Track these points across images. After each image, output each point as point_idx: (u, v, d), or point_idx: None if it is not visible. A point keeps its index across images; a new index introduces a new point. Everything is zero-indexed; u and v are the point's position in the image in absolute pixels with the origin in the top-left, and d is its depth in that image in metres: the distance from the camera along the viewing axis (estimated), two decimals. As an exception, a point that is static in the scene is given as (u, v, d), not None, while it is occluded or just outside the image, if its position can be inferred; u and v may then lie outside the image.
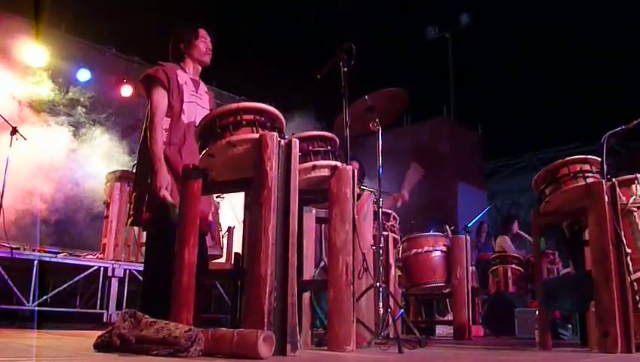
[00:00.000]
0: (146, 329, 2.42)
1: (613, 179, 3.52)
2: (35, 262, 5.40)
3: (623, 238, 3.36)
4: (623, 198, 3.52)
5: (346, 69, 3.68)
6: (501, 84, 14.85)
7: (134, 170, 6.53)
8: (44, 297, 5.55)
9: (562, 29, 13.81)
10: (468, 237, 6.26)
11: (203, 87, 3.86)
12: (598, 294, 3.34)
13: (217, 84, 10.51)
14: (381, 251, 3.89)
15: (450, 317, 6.41)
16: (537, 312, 3.84)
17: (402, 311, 4.29)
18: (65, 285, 5.72)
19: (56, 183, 7.18)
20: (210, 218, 3.97)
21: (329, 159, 3.31)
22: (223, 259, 6.66)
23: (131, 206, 3.67)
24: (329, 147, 3.36)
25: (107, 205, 6.71)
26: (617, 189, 3.48)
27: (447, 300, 6.39)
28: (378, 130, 4.03)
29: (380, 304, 3.63)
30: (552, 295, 3.76)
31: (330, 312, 3.07)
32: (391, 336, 3.46)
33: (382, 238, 4.00)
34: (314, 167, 3.24)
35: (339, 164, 3.31)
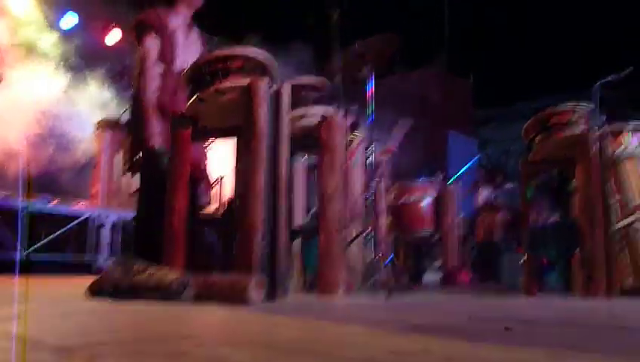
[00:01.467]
0: (138, 275, 2.45)
1: (604, 128, 3.53)
2: (26, 209, 5.40)
3: (611, 187, 3.40)
4: (612, 148, 3.54)
5: (336, 15, 3.62)
6: (494, 32, 14.68)
7: (124, 118, 6.49)
8: (36, 245, 5.58)
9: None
10: (457, 186, 6.30)
11: (195, 31, 3.80)
12: (584, 241, 3.40)
13: (207, 28, 10.31)
14: (371, 198, 3.91)
15: (438, 263, 6.51)
16: (524, 258, 3.91)
17: (392, 256, 4.35)
18: (57, 233, 5.74)
19: (43, 131, 7.11)
20: (203, 165, 3.96)
21: (320, 106, 3.29)
22: (213, 207, 6.68)
23: (126, 154, 3.67)
24: (320, 94, 3.34)
25: (97, 153, 6.67)
26: (607, 139, 3.49)
27: (436, 247, 6.48)
28: (369, 75, 3.99)
29: (370, 250, 3.67)
30: (538, 242, 3.82)
31: (321, 258, 3.11)
32: (380, 282, 3.52)
33: (372, 185, 4.02)
34: (305, 114, 3.22)
35: (329, 110, 3.29)
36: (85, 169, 7.20)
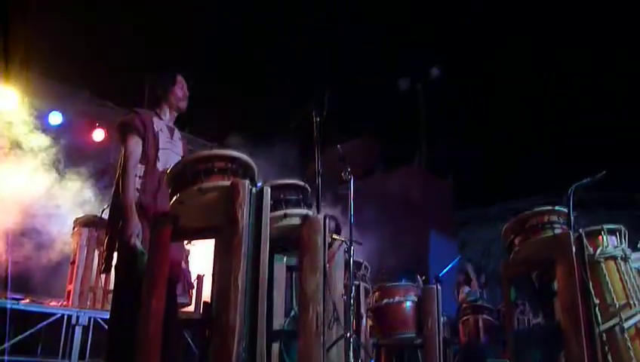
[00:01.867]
0: (109, 380, 2.34)
1: (580, 230, 3.58)
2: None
3: (592, 289, 3.40)
4: (590, 249, 3.57)
5: (318, 119, 3.72)
6: (472, 135, 15.13)
7: (104, 216, 6.45)
8: (4, 345, 5.36)
9: (531, 82, 14.21)
10: (439, 287, 6.25)
11: (177, 133, 3.87)
12: (568, 345, 3.35)
13: (190, 130, 10.51)
14: (352, 301, 3.86)
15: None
16: (508, 363, 3.83)
17: (372, 360, 4.24)
18: (27, 332, 5.54)
19: (21, 226, 7.03)
20: (183, 265, 3.93)
21: (300, 207, 3.31)
22: (191, 308, 6.54)
23: (104, 253, 3.64)
24: (301, 195, 3.37)
25: (74, 250, 6.56)
26: (584, 240, 3.53)
27: (419, 351, 6.33)
28: (350, 179, 4.05)
29: (351, 354, 3.58)
30: (523, 346, 3.76)
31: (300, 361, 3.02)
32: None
33: (353, 288, 3.98)
34: (285, 216, 3.23)
35: (310, 212, 3.31)
36: (61, 267, 7.07)
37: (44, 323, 5.58)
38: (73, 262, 6.44)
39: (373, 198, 10.75)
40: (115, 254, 3.52)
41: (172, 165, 3.25)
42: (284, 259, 3.61)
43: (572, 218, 3.63)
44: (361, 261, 5.57)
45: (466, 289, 8.61)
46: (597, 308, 3.38)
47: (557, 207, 3.76)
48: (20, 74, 8.30)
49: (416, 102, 15.15)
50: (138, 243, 3.33)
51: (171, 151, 3.73)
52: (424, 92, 15.09)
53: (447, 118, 15.04)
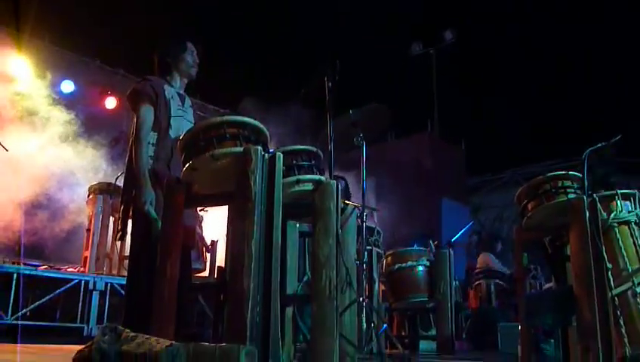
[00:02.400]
0: (126, 343, 2.39)
1: (594, 195, 3.56)
2: (15, 275, 5.33)
3: (604, 254, 3.39)
4: (604, 214, 3.56)
5: (330, 84, 3.69)
6: (485, 100, 15.00)
7: (118, 183, 6.50)
8: (24, 310, 5.47)
9: (545, 47, 14.00)
10: (451, 252, 6.28)
11: (188, 100, 3.87)
12: (580, 309, 3.36)
13: (202, 96, 10.50)
14: (365, 266, 3.89)
15: (433, 331, 6.40)
16: (520, 327, 3.85)
17: (385, 325, 4.29)
18: (45, 298, 5.64)
19: (37, 195, 7.10)
20: (198, 230, 3.97)
21: (313, 173, 3.31)
22: (206, 273, 6.62)
23: (119, 220, 3.68)
24: (313, 161, 3.37)
25: (89, 217, 6.64)
26: (598, 205, 3.51)
27: (431, 315, 6.39)
28: (362, 144, 4.04)
29: (364, 319, 3.62)
30: (534, 310, 3.78)
31: (313, 327, 3.05)
32: (374, 351, 3.46)
33: (365, 253, 4.00)
34: (298, 181, 3.23)
35: (323, 178, 3.31)
36: (78, 233, 7.16)
37: (62, 289, 5.68)
38: (89, 230, 6.53)
39: (385, 165, 10.75)
40: (130, 221, 3.56)
41: (184, 132, 3.26)
42: (297, 225, 3.62)
43: (586, 183, 3.60)
44: (374, 226, 5.58)
45: (491, 257, 8.56)
46: (610, 273, 3.37)
47: (571, 172, 3.73)
48: (31, 43, 8.29)
49: (429, 67, 14.98)
50: (152, 210, 3.36)
51: (183, 119, 3.73)
52: (437, 57, 14.90)
53: (459, 83, 14.89)
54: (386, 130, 12.24)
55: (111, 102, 9.35)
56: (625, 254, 3.50)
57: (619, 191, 3.64)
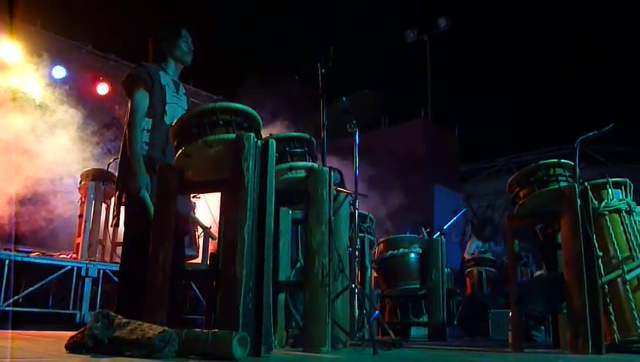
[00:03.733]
0: (119, 329, 2.39)
1: (586, 183, 3.58)
2: (7, 261, 5.31)
3: (595, 241, 3.42)
4: (595, 202, 3.58)
5: (323, 71, 3.68)
6: (478, 88, 15.01)
7: (110, 169, 6.47)
8: (16, 297, 5.46)
9: (539, 35, 14.00)
10: (444, 239, 6.30)
11: (182, 88, 3.86)
12: (570, 296, 3.39)
13: (195, 82, 10.45)
14: (357, 253, 3.90)
15: (425, 318, 6.45)
16: (510, 314, 3.88)
17: (377, 312, 4.31)
18: (37, 285, 5.64)
19: (29, 181, 7.07)
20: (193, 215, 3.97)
21: (306, 160, 3.31)
22: (199, 260, 6.62)
23: (115, 206, 3.68)
24: (306, 148, 3.37)
25: (81, 204, 6.62)
26: (590, 193, 3.53)
27: (423, 301, 6.43)
28: (355, 131, 4.04)
29: (356, 305, 3.64)
30: (525, 297, 3.81)
31: (306, 313, 3.07)
32: (366, 338, 3.47)
33: (358, 240, 4.01)
34: (290, 168, 3.24)
35: (315, 165, 3.31)
36: (70, 219, 7.14)
37: (55, 275, 5.67)
38: (81, 216, 6.50)
39: (378, 152, 10.75)
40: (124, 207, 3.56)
41: (176, 119, 3.25)
42: (290, 212, 3.63)
43: (578, 171, 3.62)
44: (367, 213, 5.59)
45: (476, 243, 8.63)
46: (600, 260, 3.41)
47: (563, 160, 3.75)
48: (23, 28, 8.21)
49: (423, 54, 14.94)
50: (147, 196, 3.35)
51: (177, 106, 3.72)
52: (431, 44, 14.87)
53: (453, 70, 14.88)
54: (379, 117, 12.24)
55: (103, 88, 9.28)
56: (615, 242, 3.54)
57: (610, 180, 3.67)
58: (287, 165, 3.22)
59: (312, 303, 3.03)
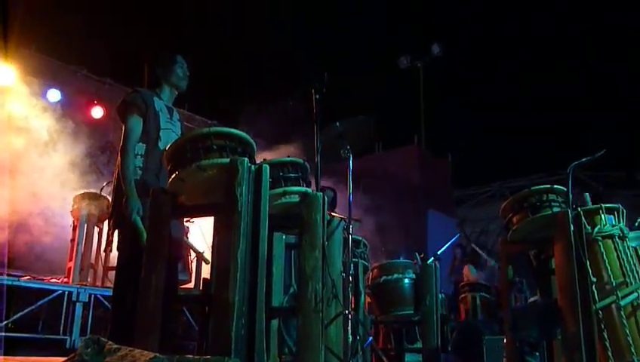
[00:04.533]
0: (109, 355, 2.36)
1: (579, 209, 3.59)
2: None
3: (589, 267, 3.42)
4: (589, 228, 3.59)
5: (318, 96, 3.70)
6: (471, 114, 15.12)
7: (103, 193, 6.44)
8: (6, 322, 5.40)
9: (531, 62, 14.16)
10: (438, 265, 6.28)
11: (176, 114, 3.88)
12: (564, 322, 3.38)
13: (189, 107, 10.48)
14: (351, 278, 3.88)
15: (419, 344, 6.39)
16: (505, 340, 3.86)
17: (371, 338, 4.28)
18: (27, 309, 5.57)
19: (22, 204, 7.04)
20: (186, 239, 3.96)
21: (299, 185, 3.31)
22: (191, 285, 6.58)
23: (108, 231, 3.67)
24: (300, 173, 3.37)
25: (73, 227, 6.58)
26: (583, 218, 3.54)
27: (417, 327, 6.39)
28: (349, 157, 4.05)
29: (349, 331, 3.61)
30: (520, 323, 3.79)
31: (299, 339, 3.04)
32: (359, 364, 3.45)
33: (352, 265, 4.00)
34: (284, 193, 3.23)
35: (309, 190, 3.31)
36: (61, 245, 7.09)
37: (45, 299, 5.62)
38: (73, 240, 6.47)
39: (373, 177, 10.77)
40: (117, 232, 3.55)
41: (170, 143, 3.25)
42: (284, 237, 3.62)
43: (571, 196, 3.64)
44: (360, 238, 5.58)
45: (471, 268, 8.62)
46: (594, 286, 3.40)
47: (555, 186, 3.76)
48: (18, 51, 8.25)
49: (416, 80, 15.06)
50: (138, 220, 3.34)
51: (171, 132, 3.74)
52: (424, 70, 15.00)
53: (446, 96, 15.00)
54: (373, 143, 12.29)
55: (97, 112, 9.28)
56: (609, 268, 3.53)
57: (603, 206, 3.68)
58: (280, 190, 3.22)
59: (306, 329, 3.01)
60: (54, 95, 8.84)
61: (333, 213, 3.88)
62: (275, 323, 3.52)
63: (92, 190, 7.04)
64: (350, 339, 3.61)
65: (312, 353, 2.97)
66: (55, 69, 9.39)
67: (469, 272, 8.47)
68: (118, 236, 3.53)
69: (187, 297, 5.50)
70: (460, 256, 9.62)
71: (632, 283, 3.49)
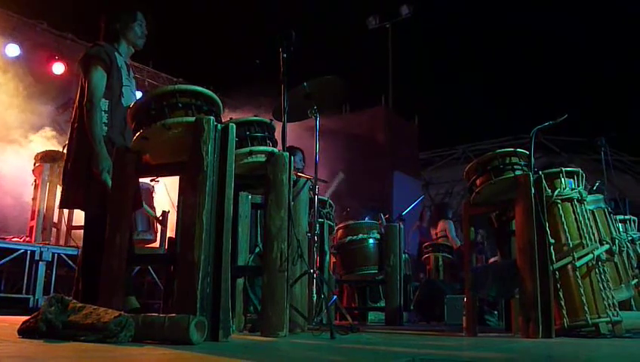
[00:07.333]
0: (73, 314, 2.36)
1: (540, 172, 3.67)
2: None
3: (547, 229, 3.51)
4: (549, 191, 3.68)
5: (285, 55, 3.67)
6: (438, 77, 15.15)
7: (65, 151, 6.32)
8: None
9: (498, 25, 14.19)
10: (402, 226, 6.38)
11: (132, 71, 3.82)
12: (522, 282, 3.48)
13: (154, 64, 10.27)
14: (316, 238, 3.92)
15: (382, 303, 6.53)
16: (465, 299, 3.96)
17: (335, 297, 4.35)
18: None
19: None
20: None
21: (266, 145, 3.30)
22: (156, 244, 6.56)
23: (65, 187, 3.58)
24: (266, 133, 3.35)
25: (35, 186, 6.45)
26: (543, 182, 3.62)
27: (380, 287, 6.51)
28: (316, 116, 4.05)
29: (314, 290, 3.67)
30: (480, 282, 3.89)
31: (264, 298, 3.08)
32: (324, 322, 3.51)
33: (317, 225, 4.04)
34: (250, 153, 3.22)
35: (275, 149, 3.31)
36: (22, 204, 6.96)
37: (7, 258, 5.53)
38: (35, 198, 6.34)
39: (339, 138, 10.78)
40: (82, 190, 3.47)
41: (134, 101, 3.20)
42: (250, 197, 3.62)
43: (532, 160, 3.71)
44: (326, 199, 5.62)
45: (451, 224, 8.60)
46: (552, 247, 3.50)
47: (518, 150, 3.83)
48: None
49: (384, 41, 14.97)
50: (108, 179, 3.29)
51: (129, 89, 3.68)
52: (393, 31, 14.90)
53: (414, 59, 14.97)
54: (340, 103, 12.25)
55: (58, 68, 9.02)
56: (567, 230, 3.64)
57: (563, 169, 3.77)
58: (247, 149, 3.20)
59: (271, 288, 3.04)
60: (13, 50, 8.55)
61: (299, 173, 3.88)
62: (240, 282, 3.55)
63: (54, 148, 6.90)
64: (315, 298, 3.66)
65: (276, 311, 3.01)
66: (13, 23, 9.06)
67: (447, 227, 8.53)
68: (86, 194, 3.45)
69: (152, 256, 5.49)
70: (429, 218, 9.70)
71: (587, 245, 3.60)
